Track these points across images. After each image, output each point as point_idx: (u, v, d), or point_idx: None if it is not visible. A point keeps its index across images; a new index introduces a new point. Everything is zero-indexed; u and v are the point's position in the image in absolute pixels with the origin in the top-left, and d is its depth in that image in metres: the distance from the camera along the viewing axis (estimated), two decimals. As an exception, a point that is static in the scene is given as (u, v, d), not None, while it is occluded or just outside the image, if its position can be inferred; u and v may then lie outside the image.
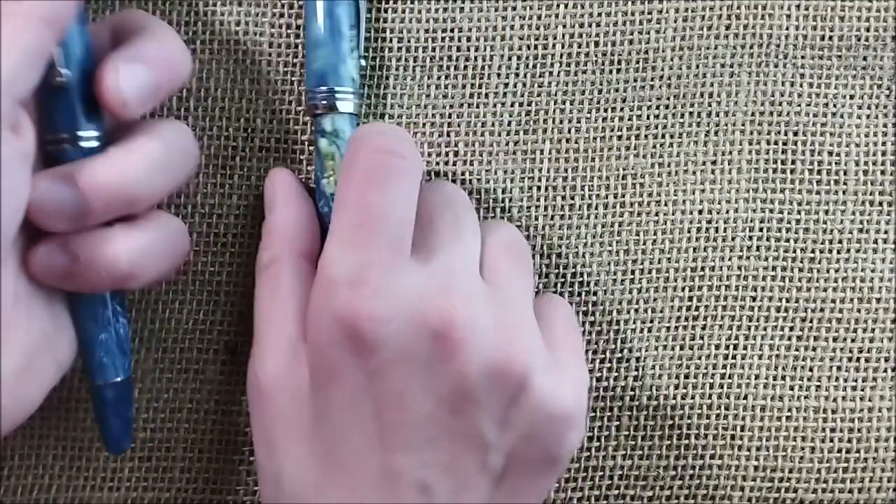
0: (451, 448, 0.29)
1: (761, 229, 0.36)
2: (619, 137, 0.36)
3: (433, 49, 0.36)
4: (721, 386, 0.36)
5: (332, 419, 0.30)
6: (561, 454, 0.31)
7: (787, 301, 0.36)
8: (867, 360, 0.36)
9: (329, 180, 0.33)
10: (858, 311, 0.36)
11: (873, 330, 0.36)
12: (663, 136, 0.36)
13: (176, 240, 0.32)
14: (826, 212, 0.36)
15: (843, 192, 0.36)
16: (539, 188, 0.36)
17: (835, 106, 0.36)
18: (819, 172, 0.36)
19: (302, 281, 0.32)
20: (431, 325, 0.29)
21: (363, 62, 0.35)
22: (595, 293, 0.36)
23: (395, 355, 0.29)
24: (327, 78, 0.34)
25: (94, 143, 0.30)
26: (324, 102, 0.34)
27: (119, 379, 0.32)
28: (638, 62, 0.36)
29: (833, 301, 0.36)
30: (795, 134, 0.36)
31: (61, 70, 0.29)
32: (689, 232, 0.36)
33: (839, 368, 0.36)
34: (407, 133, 0.33)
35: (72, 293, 0.31)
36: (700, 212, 0.36)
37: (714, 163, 0.36)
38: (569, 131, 0.36)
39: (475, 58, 0.36)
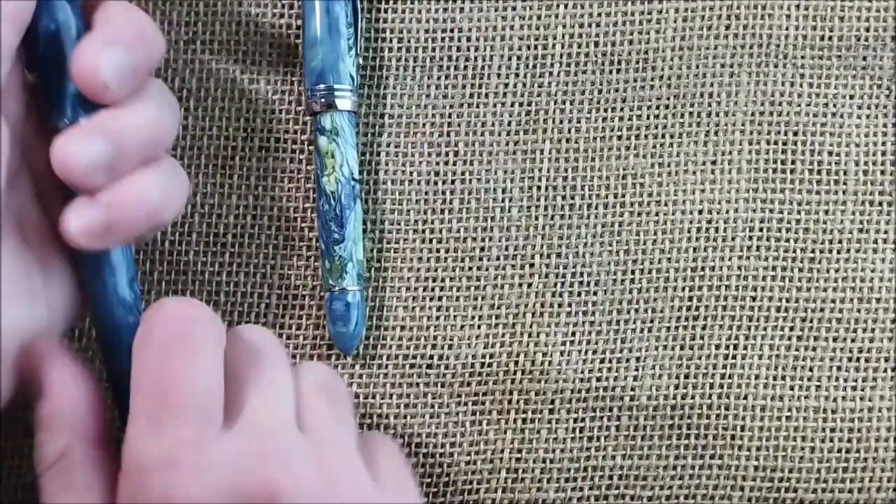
0: None
1: (761, 229, 0.36)
2: (619, 137, 0.36)
3: (433, 49, 0.36)
4: (721, 386, 0.36)
5: None
6: None
7: (787, 301, 0.36)
8: (867, 360, 0.36)
9: (329, 178, 0.33)
10: (858, 311, 0.36)
11: (873, 330, 0.36)
12: (663, 136, 0.36)
13: (183, 176, 0.31)
14: (826, 212, 0.36)
15: (843, 192, 0.36)
16: (539, 188, 0.36)
17: (835, 106, 0.36)
18: (819, 172, 0.36)
19: (97, 474, 0.29)
20: (252, 493, 0.28)
21: (360, 60, 0.35)
22: (595, 293, 0.36)
23: None
24: (326, 76, 0.34)
25: None
26: (323, 100, 0.34)
27: None
28: (638, 62, 0.36)
29: (833, 301, 0.36)
30: (795, 134, 0.36)
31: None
32: (689, 232, 0.36)
33: (839, 368, 0.36)
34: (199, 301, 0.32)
35: (98, 285, 0.31)
36: (700, 212, 0.36)
37: (714, 163, 0.36)
38: (569, 131, 0.36)
39: (475, 58, 0.36)
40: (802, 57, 0.36)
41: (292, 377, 0.31)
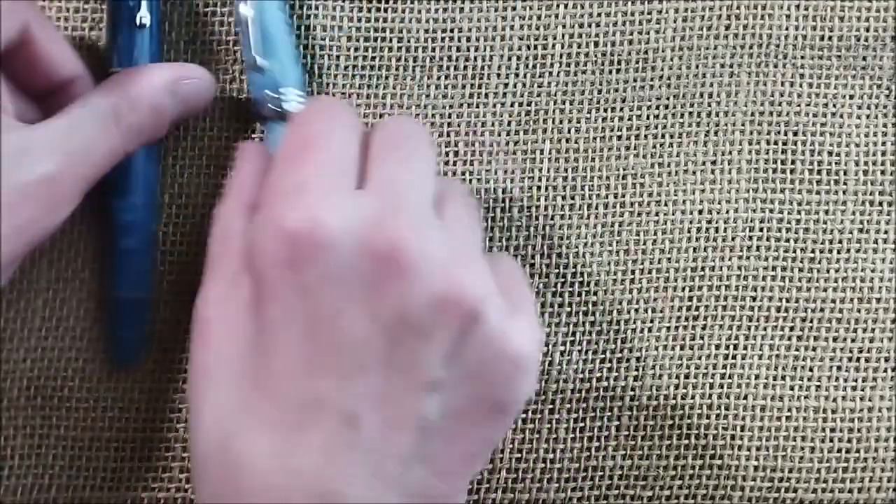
0: (386, 381, 0.27)
1: (761, 229, 0.36)
2: (619, 137, 0.36)
3: (433, 49, 0.36)
4: (721, 386, 0.36)
5: (264, 340, 0.28)
6: (509, 400, 0.29)
7: (787, 301, 0.36)
8: (867, 360, 0.36)
9: None
10: (858, 311, 0.36)
11: (873, 330, 0.36)
12: (663, 136, 0.36)
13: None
14: (826, 212, 0.36)
15: (843, 192, 0.36)
16: (539, 188, 0.36)
17: (835, 106, 0.36)
18: (819, 172, 0.36)
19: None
20: (376, 245, 0.27)
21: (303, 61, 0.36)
22: (595, 293, 0.36)
23: (332, 271, 0.27)
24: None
25: None
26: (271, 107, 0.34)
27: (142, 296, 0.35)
28: (638, 62, 0.36)
29: (833, 301, 0.36)
30: (795, 134, 0.36)
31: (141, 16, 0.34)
32: (689, 232, 0.36)
33: (839, 368, 0.36)
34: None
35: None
36: (700, 212, 0.36)
37: (714, 163, 0.36)
38: (569, 131, 0.36)
39: (475, 58, 0.36)
40: (802, 57, 0.36)
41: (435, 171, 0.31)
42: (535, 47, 0.36)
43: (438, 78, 0.36)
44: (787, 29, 0.36)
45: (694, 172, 0.36)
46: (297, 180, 0.29)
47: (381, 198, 0.28)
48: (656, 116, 0.36)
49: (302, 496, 0.27)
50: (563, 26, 0.36)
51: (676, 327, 0.36)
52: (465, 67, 0.36)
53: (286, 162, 0.30)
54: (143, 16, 0.34)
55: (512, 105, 0.36)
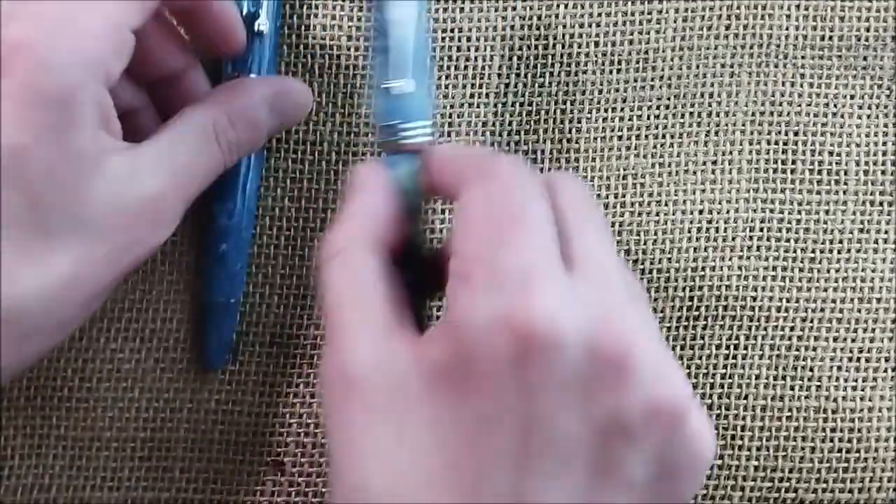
0: (588, 481, 0.26)
1: (762, 229, 0.36)
2: (620, 137, 0.36)
3: (433, 49, 0.36)
4: (721, 386, 0.36)
5: (457, 429, 0.26)
6: (688, 496, 0.28)
7: (788, 301, 0.36)
8: (867, 360, 0.36)
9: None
10: (859, 310, 0.36)
11: (874, 330, 0.36)
12: (663, 136, 0.36)
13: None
14: (826, 212, 0.36)
15: (844, 192, 0.36)
16: (539, 188, 0.36)
17: (835, 106, 0.36)
18: (819, 172, 0.36)
19: (387, 271, 0.29)
20: (606, 347, 0.26)
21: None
22: (595, 293, 0.36)
23: (560, 371, 0.26)
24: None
25: None
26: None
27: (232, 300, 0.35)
28: (638, 62, 0.36)
29: (833, 301, 0.36)
30: (796, 134, 0.36)
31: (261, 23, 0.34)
32: (689, 232, 0.36)
33: (839, 368, 0.36)
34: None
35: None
36: (700, 212, 0.36)
37: (714, 163, 0.36)
38: (569, 131, 0.36)
39: (475, 58, 0.36)
40: (803, 57, 0.36)
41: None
42: (536, 47, 0.36)
43: (439, 78, 0.36)
44: (787, 29, 0.36)
45: (694, 172, 0.36)
46: (519, 264, 0.26)
47: (597, 288, 0.27)
48: (657, 116, 0.36)
49: None
50: (564, 26, 0.36)
51: (677, 327, 0.36)
52: (466, 67, 0.36)
53: (498, 236, 0.27)
54: (262, 23, 0.34)
55: (513, 105, 0.36)
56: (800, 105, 0.36)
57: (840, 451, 0.35)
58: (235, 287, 0.35)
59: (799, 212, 0.36)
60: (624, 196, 0.36)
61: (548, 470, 0.26)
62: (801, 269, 0.36)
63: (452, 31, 0.36)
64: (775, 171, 0.36)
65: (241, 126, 0.32)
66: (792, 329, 0.36)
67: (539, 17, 0.36)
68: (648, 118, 0.36)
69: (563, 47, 0.36)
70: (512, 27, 0.36)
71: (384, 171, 0.30)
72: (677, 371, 0.28)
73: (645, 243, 0.36)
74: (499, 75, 0.36)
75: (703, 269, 0.36)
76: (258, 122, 0.32)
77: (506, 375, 0.26)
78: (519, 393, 0.26)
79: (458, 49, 0.36)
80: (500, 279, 0.26)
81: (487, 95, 0.36)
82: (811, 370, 0.36)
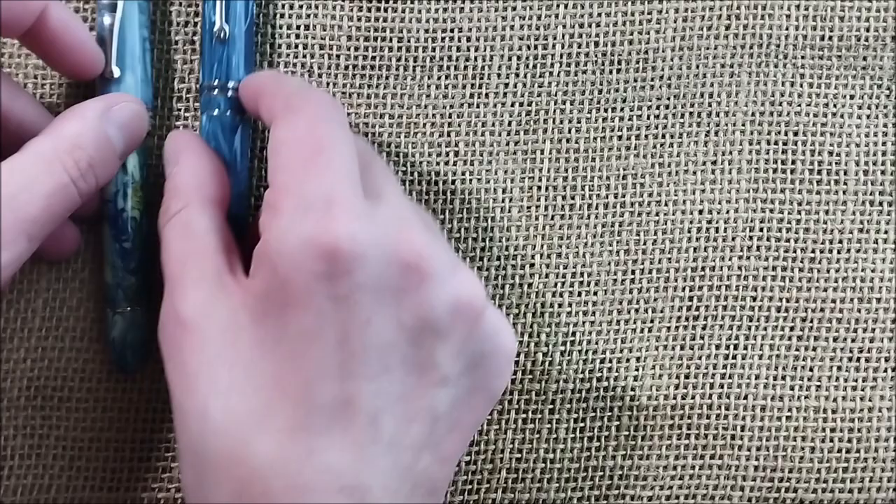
0: (406, 379, 0.29)
1: (761, 229, 0.36)
2: (620, 137, 0.36)
3: (433, 49, 0.36)
4: (721, 386, 0.36)
5: (281, 347, 0.29)
6: (500, 387, 0.32)
7: (788, 301, 0.36)
8: (867, 360, 0.36)
9: None
10: (859, 310, 0.36)
11: (873, 330, 0.36)
12: (663, 137, 0.36)
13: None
14: (826, 212, 0.36)
15: (844, 192, 0.36)
16: (539, 188, 0.36)
17: (835, 106, 0.36)
18: (819, 172, 0.36)
19: (216, 224, 0.32)
20: (402, 255, 0.29)
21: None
22: (595, 293, 0.36)
23: (366, 281, 0.29)
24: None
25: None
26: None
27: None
28: (638, 62, 0.36)
29: (833, 301, 0.36)
30: (795, 134, 0.36)
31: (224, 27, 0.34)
32: (689, 232, 0.36)
33: (839, 368, 0.36)
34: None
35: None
36: (700, 212, 0.36)
37: (714, 163, 0.36)
38: (569, 131, 0.36)
39: (475, 58, 0.36)
40: (802, 57, 0.36)
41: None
42: (536, 47, 0.36)
43: (438, 78, 0.36)
44: (787, 29, 0.36)
45: (694, 172, 0.36)
46: (322, 191, 0.29)
47: (394, 211, 0.30)
48: (656, 116, 0.36)
49: (332, 493, 0.28)
50: (564, 26, 0.36)
51: (676, 327, 0.36)
52: (466, 67, 0.36)
53: (303, 167, 0.30)
54: (222, 28, 0.34)
55: (512, 105, 0.36)
56: (799, 105, 0.36)
57: (840, 451, 0.35)
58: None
59: (799, 212, 0.36)
60: (624, 196, 0.36)
61: (368, 372, 0.29)
62: (800, 269, 0.36)
63: (452, 31, 0.36)
64: (775, 171, 0.36)
65: (87, 144, 0.31)
66: (791, 329, 0.36)
67: (539, 17, 0.36)
68: (648, 118, 0.36)
69: (562, 47, 0.36)
70: (511, 27, 0.36)
71: (198, 136, 0.34)
72: (471, 274, 0.30)
73: (644, 243, 0.36)
74: (498, 75, 0.36)
75: (703, 269, 0.36)
76: (101, 137, 0.32)
77: (318, 291, 0.28)
78: (333, 305, 0.28)
79: (458, 49, 0.36)
80: (305, 205, 0.29)
81: (487, 95, 0.36)
82: (811, 370, 0.36)
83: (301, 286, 0.28)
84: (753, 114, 0.36)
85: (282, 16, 0.36)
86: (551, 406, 0.36)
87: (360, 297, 0.29)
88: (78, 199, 0.31)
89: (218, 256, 0.31)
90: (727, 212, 0.36)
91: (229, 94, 0.34)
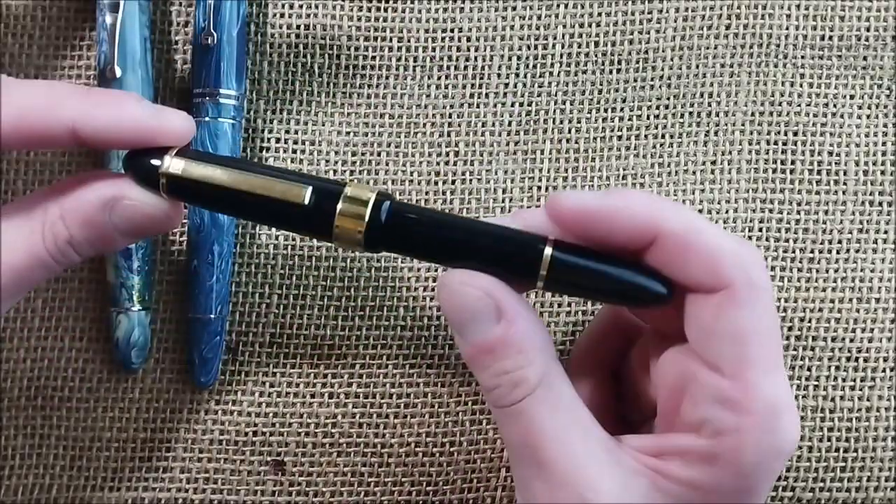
0: None
1: (761, 229, 0.36)
2: (619, 137, 0.36)
3: (433, 49, 0.36)
4: (720, 385, 0.36)
5: None
6: None
7: (786, 301, 0.36)
8: (866, 360, 0.36)
9: None
10: (857, 310, 0.36)
11: (872, 330, 0.36)
12: (663, 136, 0.36)
13: None
14: (826, 212, 0.36)
15: (843, 192, 0.36)
16: (539, 188, 0.36)
17: (835, 106, 0.36)
18: (819, 172, 0.36)
19: (574, 389, 0.29)
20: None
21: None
22: (595, 293, 0.36)
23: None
24: None
25: (233, 102, 0.34)
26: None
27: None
28: (638, 62, 0.36)
29: (832, 301, 0.36)
30: (795, 134, 0.36)
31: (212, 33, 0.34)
32: (688, 232, 0.36)
33: (837, 368, 0.36)
34: None
35: None
36: (700, 211, 0.36)
37: (714, 163, 0.36)
38: (569, 131, 0.36)
39: (475, 58, 0.36)
40: (802, 57, 0.36)
41: None
42: (536, 47, 0.36)
43: (438, 78, 0.36)
44: (787, 29, 0.36)
45: (694, 172, 0.36)
46: (787, 392, 0.28)
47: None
48: (656, 116, 0.36)
49: None
50: (564, 26, 0.36)
51: (676, 327, 0.36)
52: (466, 67, 0.36)
53: (769, 367, 0.28)
54: (209, 36, 0.34)
55: (512, 105, 0.36)
56: (799, 105, 0.36)
57: (838, 450, 0.36)
58: (211, 303, 0.35)
59: (798, 212, 0.36)
60: (623, 197, 0.36)
61: None
62: (799, 269, 0.36)
63: (452, 31, 0.36)
64: (775, 171, 0.36)
65: (75, 223, 0.29)
66: (790, 329, 0.36)
67: (539, 17, 0.36)
68: (648, 118, 0.36)
69: (562, 47, 0.36)
70: (511, 27, 0.36)
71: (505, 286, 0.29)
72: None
73: (644, 244, 0.36)
74: (498, 75, 0.36)
75: (703, 269, 0.36)
76: (98, 223, 0.29)
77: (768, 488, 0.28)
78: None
79: (458, 49, 0.36)
80: (780, 408, 0.27)
81: (487, 95, 0.36)
82: (809, 370, 0.36)
83: (762, 490, 0.28)
84: (753, 114, 0.36)
85: (282, 16, 0.36)
86: (551, 406, 0.36)
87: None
88: (57, 269, 0.30)
89: (598, 430, 0.29)
90: (727, 212, 0.36)
91: (219, 100, 0.34)
